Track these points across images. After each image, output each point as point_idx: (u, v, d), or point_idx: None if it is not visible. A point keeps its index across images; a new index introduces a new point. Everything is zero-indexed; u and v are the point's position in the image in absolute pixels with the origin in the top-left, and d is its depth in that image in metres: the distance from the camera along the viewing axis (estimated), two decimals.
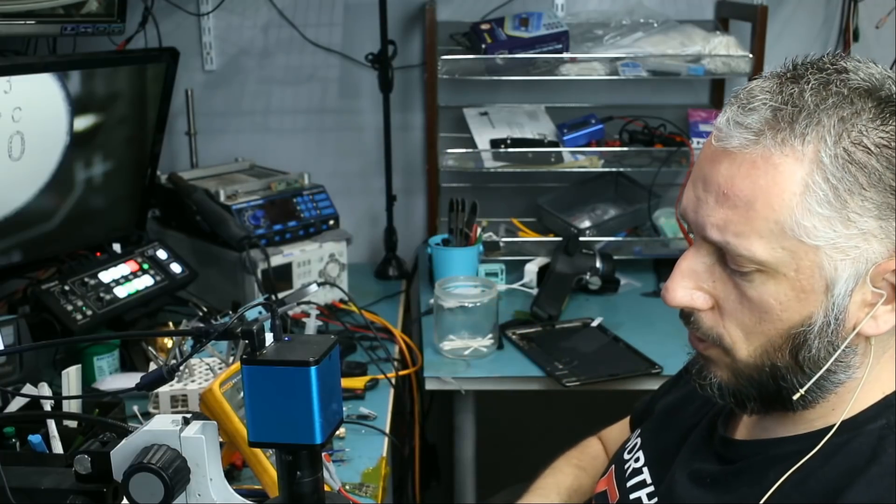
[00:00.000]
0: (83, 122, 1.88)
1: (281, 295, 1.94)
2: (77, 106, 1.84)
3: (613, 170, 2.43)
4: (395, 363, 1.88)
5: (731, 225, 0.82)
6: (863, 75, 0.82)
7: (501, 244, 2.39)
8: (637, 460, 1.07)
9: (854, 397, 0.86)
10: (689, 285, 0.87)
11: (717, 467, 0.95)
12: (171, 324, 1.95)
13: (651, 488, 1.02)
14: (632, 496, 1.04)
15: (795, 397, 0.85)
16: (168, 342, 1.72)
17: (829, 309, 0.82)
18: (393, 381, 1.78)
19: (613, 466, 1.12)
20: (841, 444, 0.84)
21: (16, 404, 1.41)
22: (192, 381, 1.60)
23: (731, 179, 0.82)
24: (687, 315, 0.90)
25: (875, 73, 0.82)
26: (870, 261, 0.80)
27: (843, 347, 0.83)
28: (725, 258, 0.85)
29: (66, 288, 1.81)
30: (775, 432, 0.91)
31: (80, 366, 1.44)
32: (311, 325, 1.85)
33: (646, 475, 1.04)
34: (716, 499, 0.92)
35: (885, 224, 0.79)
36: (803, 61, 0.85)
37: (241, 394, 1.25)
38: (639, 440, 1.11)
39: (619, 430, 1.35)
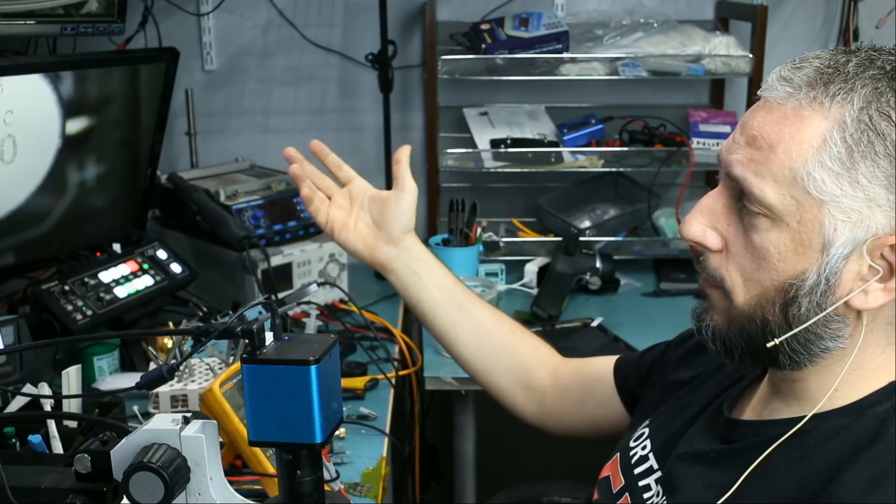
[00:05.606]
0: (75, 125, 1.87)
1: (281, 295, 1.94)
2: (69, 109, 1.83)
3: (613, 170, 2.43)
4: (395, 363, 1.88)
5: (752, 164, 0.86)
6: None
7: (501, 244, 2.39)
8: (644, 448, 1.09)
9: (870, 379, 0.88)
10: (704, 222, 0.92)
11: (719, 447, 0.97)
12: (171, 324, 1.95)
13: (659, 473, 1.04)
14: (641, 483, 1.06)
15: (769, 345, 0.88)
16: (168, 342, 1.72)
17: (821, 269, 0.85)
18: (393, 381, 1.78)
19: (619, 454, 1.13)
20: (844, 426, 0.87)
21: (16, 404, 1.41)
22: (192, 381, 1.59)
23: (763, 125, 0.87)
24: (697, 254, 0.94)
25: None
26: (870, 230, 0.83)
27: (827, 311, 0.85)
28: (742, 201, 0.89)
29: (66, 288, 1.81)
30: (780, 414, 0.94)
31: (80, 366, 1.44)
32: (311, 325, 1.85)
33: (652, 461, 1.06)
34: (714, 475, 0.94)
35: (892, 197, 0.82)
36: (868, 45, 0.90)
37: (242, 393, 1.24)
38: (646, 430, 1.12)
39: (589, 363, 1.39)
